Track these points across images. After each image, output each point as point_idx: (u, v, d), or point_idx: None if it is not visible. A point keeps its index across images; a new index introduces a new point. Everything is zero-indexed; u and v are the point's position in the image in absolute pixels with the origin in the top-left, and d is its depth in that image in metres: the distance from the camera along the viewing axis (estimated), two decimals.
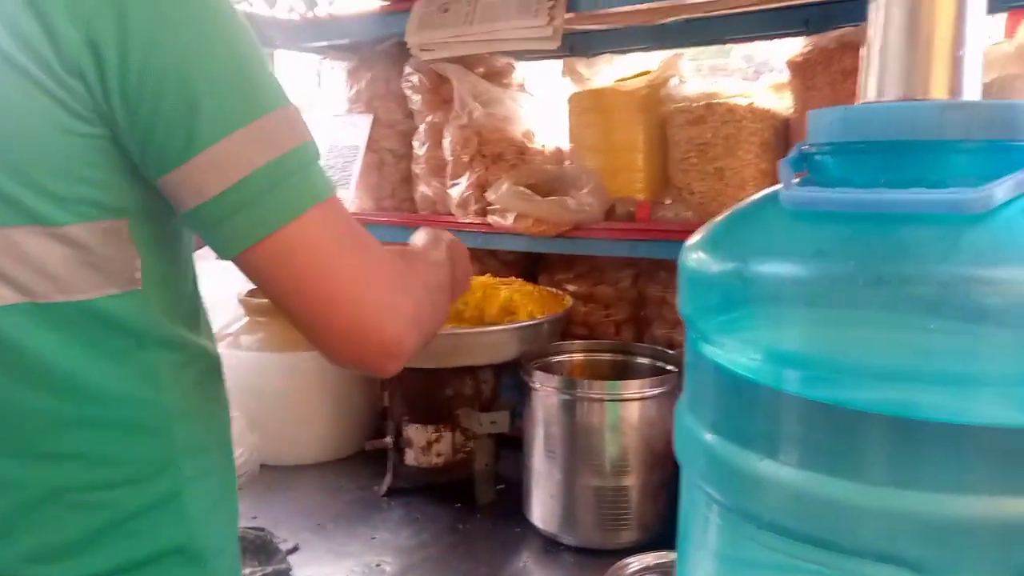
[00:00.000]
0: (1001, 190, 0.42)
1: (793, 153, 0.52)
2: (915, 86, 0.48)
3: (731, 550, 0.53)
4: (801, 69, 1.18)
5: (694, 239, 0.54)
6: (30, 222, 0.53)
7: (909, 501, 0.42)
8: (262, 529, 1.18)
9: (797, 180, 0.49)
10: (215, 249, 0.58)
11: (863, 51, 0.51)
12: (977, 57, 0.49)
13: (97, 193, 0.56)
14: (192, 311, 0.67)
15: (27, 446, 0.57)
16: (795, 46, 1.22)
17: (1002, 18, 1.19)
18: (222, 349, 1.47)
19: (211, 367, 0.69)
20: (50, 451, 0.58)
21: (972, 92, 0.49)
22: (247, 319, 1.50)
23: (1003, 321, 0.41)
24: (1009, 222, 0.43)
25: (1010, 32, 1.14)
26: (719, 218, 0.55)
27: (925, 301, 0.41)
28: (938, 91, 0.48)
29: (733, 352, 0.49)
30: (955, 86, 0.48)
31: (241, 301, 1.48)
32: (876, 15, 0.50)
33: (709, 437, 0.52)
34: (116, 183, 0.56)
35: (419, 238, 0.92)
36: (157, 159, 0.55)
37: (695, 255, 0.52)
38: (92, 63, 0.52)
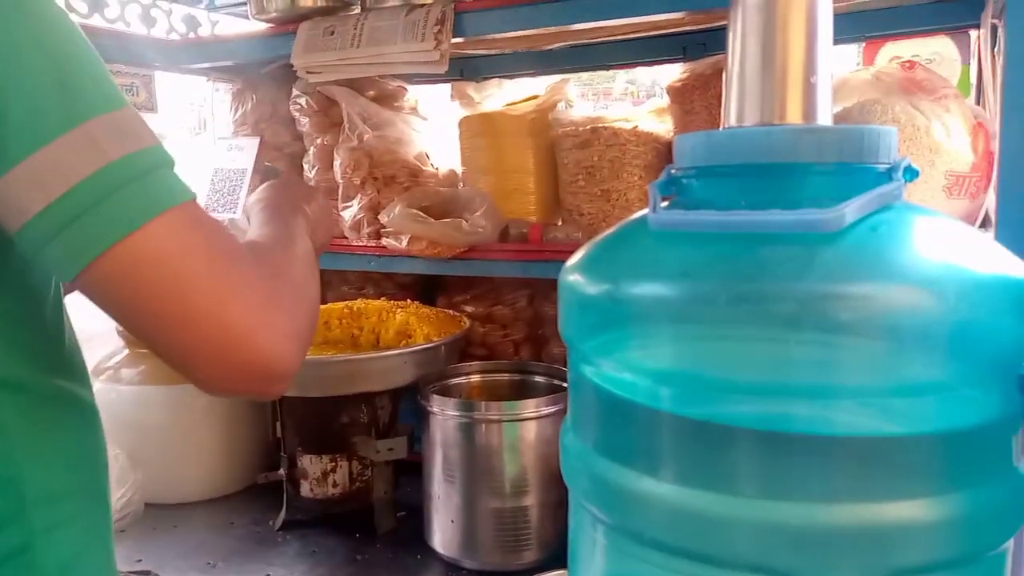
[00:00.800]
0: (851, 209, 0.45)
1: (663, 177, 0.53)
2: (771, 112, 0.51)
3: (616, 568, 0.53)
4: (679, 94, 1.22)
5: (571, 262, 0.55)
6: None
7: (779, 512, 0.44)
8: (147, 572, 1.13)
9: (665, 203, 0.50)
10: (56, 274, 0.53)
11: (724, 78, 0.53)
12: (827, 84, 0.52)
13: None
14: (48, 349, 0.62)
15: None
16: (674, 72, 1.27)
17: (860, 48, 1.27)
18: (101, 384, 1.40)
19: (74, 407, 0.64)
20: None
21: (824, 117, 0.52)
22: (127, 352, 1.43)
23: (857, 334, 0.43)
24: (860, 240, 0.45)
25: (868, 60, 1.22)
26: (595, 240, 0.56)
27: (784, 317, 0.43)
28: (793, 116, 0.51)
29: (610, 372, 0.50)
30: (809, 111, 0.51)
31: (120, 333, 1.41)
32: (734, 44, 0.52)
33: (591, 457, 0.52)
34: None
35: (269, 210, 0.79)
36: None
37: (572, 277, 0.53)
38: None
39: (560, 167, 1.31)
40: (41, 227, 0.50)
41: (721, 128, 0.54)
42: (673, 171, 0.53)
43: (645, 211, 0.54)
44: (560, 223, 1.33)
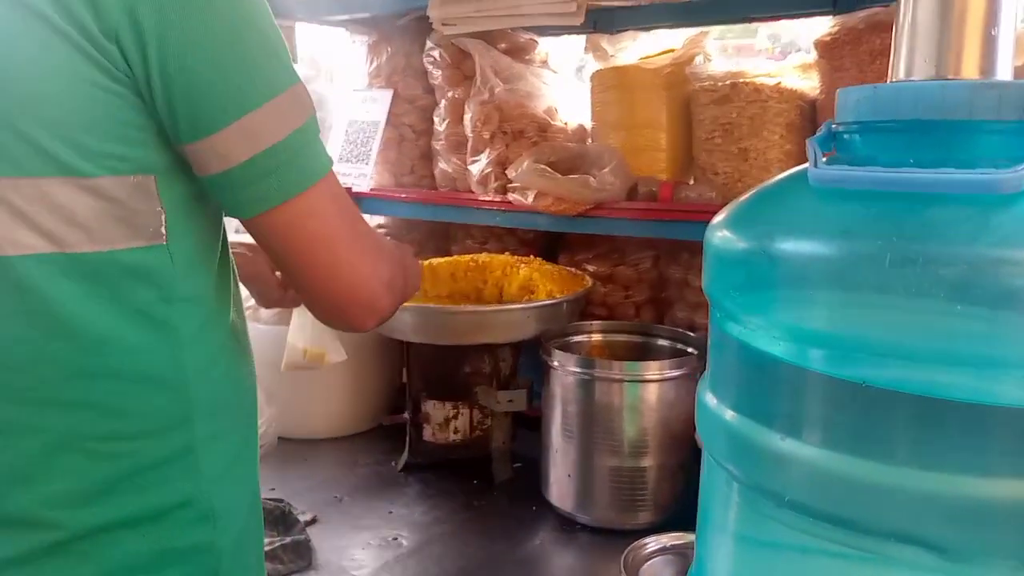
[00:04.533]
0: None
1: (821, 131, 0.51)
2: (946, 65, 0.48)
3: (751, 529, 0.53)
4: (828, 49, 1.16)
5: (720, 217, 0.54)
6: (62, 173, 0.56)
7: (933, 482, 0.42)
8: (281, 500, 1.20)
9: (825, 159, 0.48)
10: (232, 210, 0.63)
11: (894, 29, 0.50)
12: (1010, 36, 0.48)
13: (127, 149, 0.58)
14: (218, 272, 0.68)
15: (42, 392, 0.59)
16: (821, 26, 1.20)
17: None
18: None
19: (236, 330, 0.71)
20: (65, 399, 0.60)
21: (1004, 72, 0.48)
22: None
23: None
24: None
25: None
26: (745, 196, 0.54)
27: (952, 282, 0.41)
28: (969, 70, 0.48)
29: (757, 330, 0.49)
30: (987, 65, 0.48)
31: None
32: None
33: (731, 416, 0.52)
34: (145, 140, 0.59)
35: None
36: (188, 127, 0.58)
37: (721, 233, 0.52)
38: (130, 30, 0.55)
39: (695, 123, 1.28)
40: (241, 174, 0.60)
41: (888, 81, 0.51)
42: (833, 126, 0.51)
43: (797, 168, 0.52)
44: (692, 182, 1.30)
